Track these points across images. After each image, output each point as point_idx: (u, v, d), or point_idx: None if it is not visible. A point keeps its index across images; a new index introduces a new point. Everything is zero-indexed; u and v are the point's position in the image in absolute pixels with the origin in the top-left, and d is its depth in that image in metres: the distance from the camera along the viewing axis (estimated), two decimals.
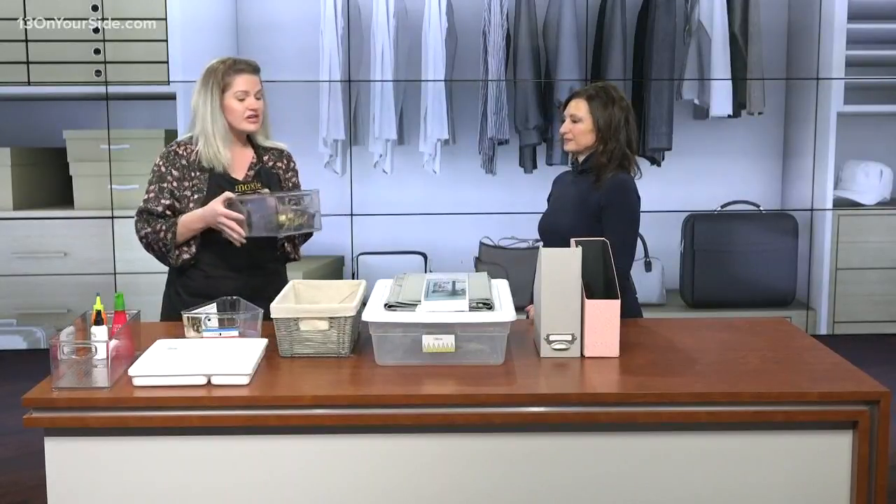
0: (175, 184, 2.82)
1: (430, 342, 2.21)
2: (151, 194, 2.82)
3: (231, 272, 2.84)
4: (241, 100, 2.81)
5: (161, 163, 2.85)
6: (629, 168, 2.90)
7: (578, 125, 2.89)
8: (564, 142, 2.95)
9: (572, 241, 2.38)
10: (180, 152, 2.85)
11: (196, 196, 2.81)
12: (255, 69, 2.87)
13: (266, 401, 2.03)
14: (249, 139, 2.93)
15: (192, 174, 2.83)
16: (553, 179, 3.14)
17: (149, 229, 2.78)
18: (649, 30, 5.23)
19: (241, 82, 2.81)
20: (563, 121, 2.94)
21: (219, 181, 2.83)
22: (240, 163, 2.90)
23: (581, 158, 2.94)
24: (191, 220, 2.76)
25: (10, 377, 4.46)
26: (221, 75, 2.81)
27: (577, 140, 2.90)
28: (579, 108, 2.89)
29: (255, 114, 2.84)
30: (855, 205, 5.37)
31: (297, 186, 2.98)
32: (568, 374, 2.20)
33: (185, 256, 2.81)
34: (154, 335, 2.41)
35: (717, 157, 5.71)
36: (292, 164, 3.00)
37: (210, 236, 2.80)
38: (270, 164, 2.93)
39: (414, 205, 5.53)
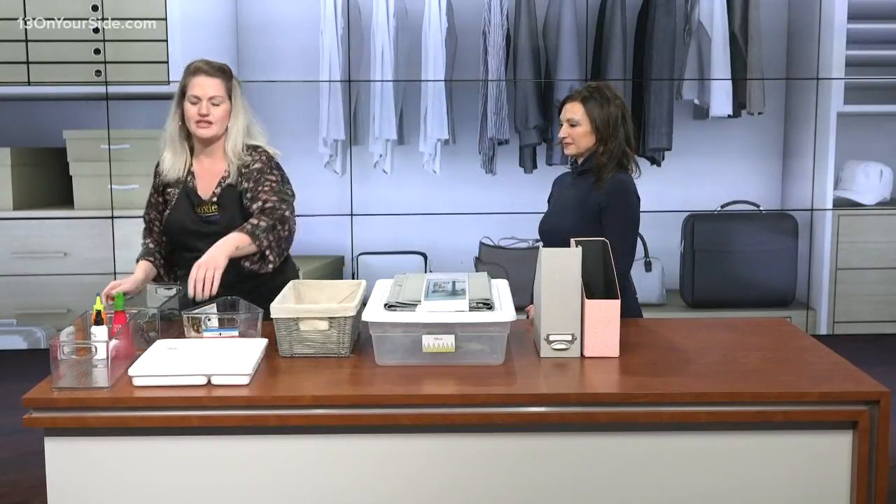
0: (156, 196, 2.84)
1: (430, 342, 2.21)
2: (148, 200, 2.87)
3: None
4: (194, 103, 2.69)
5: (153, 173, 2.85)
6: (628, 166, 2.88)
7: (577, 129, 2.86)
8: (564, 146, 2.92)
9: (572, 241, 2.38)
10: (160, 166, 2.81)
11: (166, 212, 2.78)
12: (216, 72, 2.71)
13: (266, 401, 2.03)
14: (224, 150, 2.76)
15: (167, 189, 2.79)
16: (553, 180, 3.13)
17: (141, 241, 2.89)
18: (649, 30, 5.22)
19: (196, 85, 2.69)
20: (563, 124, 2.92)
21: (184, 199, 2.75)
22: (209, 177, 2.76)
23: (581, 159, 2.93)
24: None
25: (10, 377, 4.46)
26: (183, 77, 2.73)
27: (577, 143, 2.87)
28: (575, 111, 2.86)
29: (203, 119, 2.68)
30: (855, 205, 5.37)
31: (263, 203, 2.68)
32: (568, 374, 2.20)
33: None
34: None
35: (717, 157, 5.71)
36: (255, 178, 2.71)
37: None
38: (238, 179, 2.73)
39: (414, 205, 5.52)
